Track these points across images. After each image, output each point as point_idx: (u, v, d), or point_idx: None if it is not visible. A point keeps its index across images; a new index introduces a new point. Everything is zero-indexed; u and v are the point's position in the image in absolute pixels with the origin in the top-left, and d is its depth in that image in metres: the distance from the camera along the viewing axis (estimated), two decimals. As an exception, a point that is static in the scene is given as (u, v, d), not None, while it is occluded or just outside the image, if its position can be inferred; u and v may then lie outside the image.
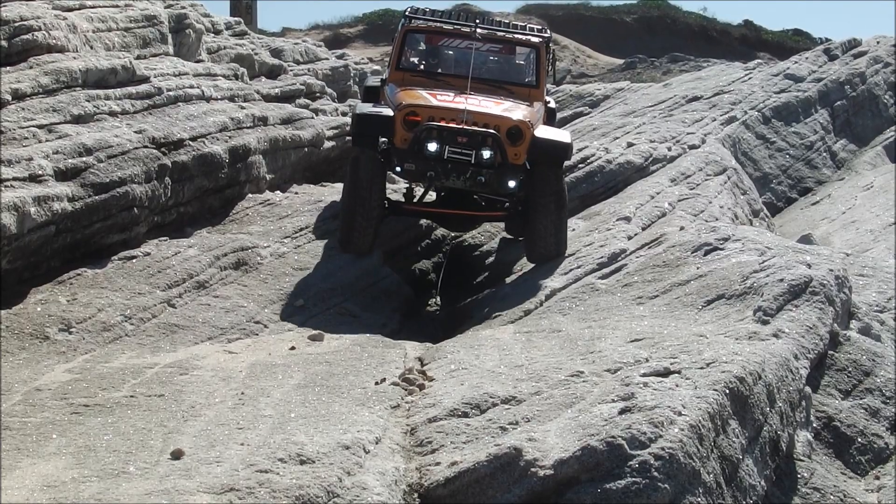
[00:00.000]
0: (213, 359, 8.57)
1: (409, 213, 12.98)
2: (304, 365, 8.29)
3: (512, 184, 11.64)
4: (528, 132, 11.62)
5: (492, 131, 11.48)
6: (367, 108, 12.22)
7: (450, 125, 11.44)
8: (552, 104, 13.99)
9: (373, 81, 14.55)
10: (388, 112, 11.78)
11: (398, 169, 11.74)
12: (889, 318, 10.32)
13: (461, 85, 12.42)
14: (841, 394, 8.82)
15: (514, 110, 11.94)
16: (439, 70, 13.14)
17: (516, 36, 13.29)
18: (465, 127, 11.43)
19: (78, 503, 5.50)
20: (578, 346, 8.39)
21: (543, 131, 11.98)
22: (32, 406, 7.23)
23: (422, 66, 13.25)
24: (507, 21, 14.22)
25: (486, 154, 11.48)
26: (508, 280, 12.43)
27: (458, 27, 13.22)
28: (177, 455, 6.17)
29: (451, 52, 13.39)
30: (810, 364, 8.44)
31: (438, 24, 13.26)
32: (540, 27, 13.91)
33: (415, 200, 13.03)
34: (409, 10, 13.53)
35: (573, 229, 13.10)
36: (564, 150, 11.91)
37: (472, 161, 11.47)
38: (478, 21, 13.42)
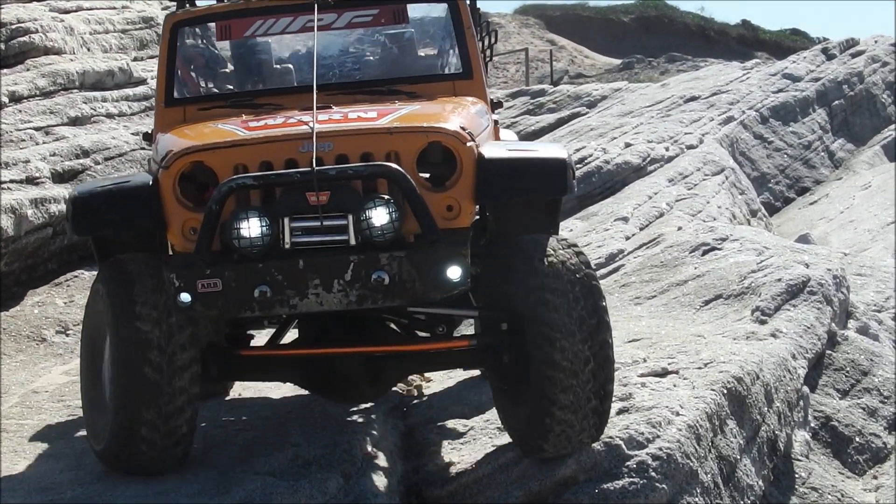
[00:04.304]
0: (211, 360, 8.55)
1: (256, 372, 6.41)
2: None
3: (455, 272, 5.39)
4: (467, 150, 5.65)
5: (383, 164, 5.46)
6: (90, 185, 6.36)
7: (282, 172, 5.43)
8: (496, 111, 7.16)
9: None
10: (141, 180, 5.89)
11: (184, 298, 5.35)
12: (887, 317, 10.32)
13: (308, 104, 5.85)
14: (839, 393, 8.82)
15: (421, 114, 5.96)
16: (260, 86, 7.02)
17: None
18: (322, 168, 5.37)
19: (75, 505, 5.50)
20: (576, 346, 8.37)
21: (499, 148, 6.02)
22: (30, 408, 7.23)
23: (213, 88, 7.07)
24: None
25: (378, 216, 5.36)
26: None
27: None
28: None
29: (274, 47, 7.20)
30: (808, 364, 8.44)
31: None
32: None
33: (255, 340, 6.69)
34: None
35: (570, 230, 13.09)
36: (558, 170, 5.84)
37: (351, 241, 5.38)
38: None
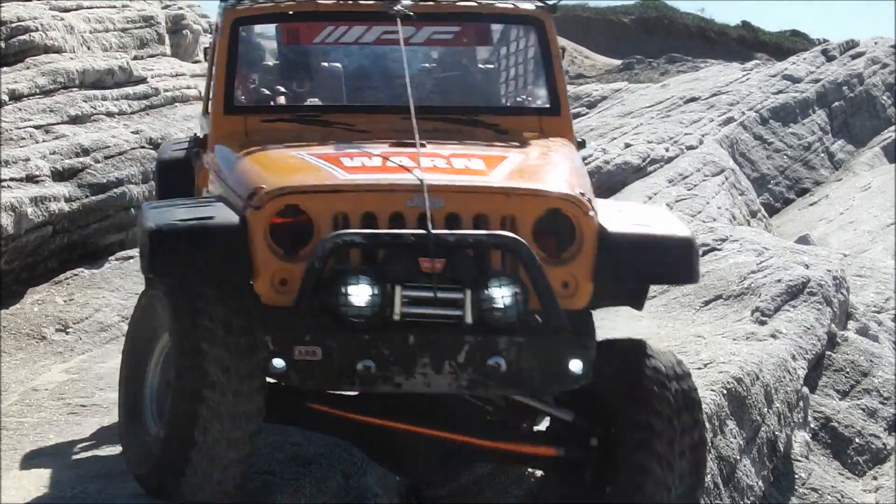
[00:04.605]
0: (211, 359, 8.55)
1: (319, 425, 5.71)
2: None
3: (577, 366, 4.91)
4: (588, 220, 5.05)
5: (507, 236, 4.84)
6: (167, 211, 5.19)
7: (395, 233, 4.84)
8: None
9: (174, 152, 7.35)
10: (226, 217, 5.05)
11: (277, 364, 4.85)
12: (887, 318, 10.33)
13: (387, 127, 5.66)
14: (839, 394, 8.83)
15: (534, 170, 5.42)
16: (329, 100, 6.19)
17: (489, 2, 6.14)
18: (440, 232, 4.80)
19: (75, 504, 5.49)
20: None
21: (620, 219, 5.25)
22: (29, 406, 7.23)
23: (281, 98, 6.26)
24: None
25: (502, 296, 4.80)
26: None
27: None
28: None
29: (345, 58, 6.36)
30: (808, 364, 8.44)
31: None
32: None
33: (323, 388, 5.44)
34: None
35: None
36: (687, 255, 5.22)
37: (467, 319, 4.81)
38: None
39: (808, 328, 8.68)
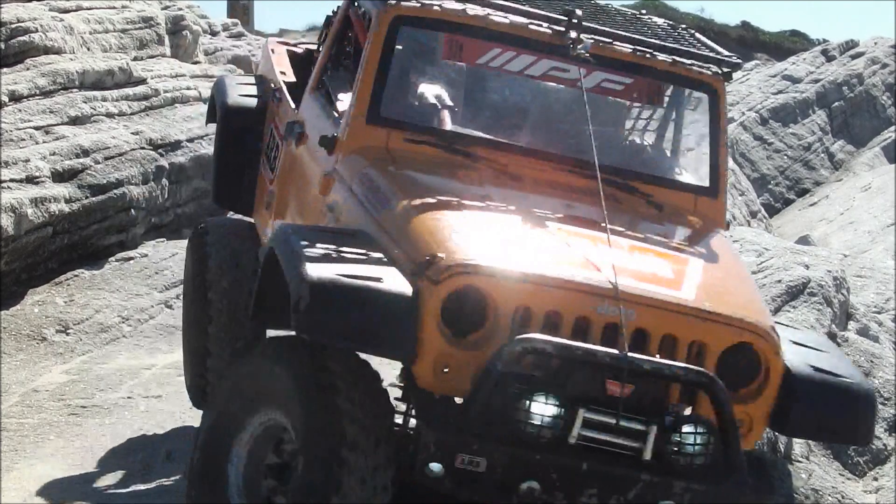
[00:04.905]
0: (211, 360, 8.55)
1: None
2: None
3: None
4: (777, 360, 4.59)
5: (702, 371, 4.38)
6: (327, 260, 4.42)
7: (589, 350, 4.31)
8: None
9: (242, 97, 6.83)
10: (399, 284, 4.36)
11: (434, 468, 4.25)
12: (887, 319, 10.32)
13: (540, 175, 5.30)
14: (839, 395, 8.82)
15: (722, 286, 4.87)
16: (481, 130, 5.50)
17: (676, 59, 5.59)
18: (637, 357, 4.31)
19: (75, 505, 5.49)
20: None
21: (803, 357, 4.78)
22: (30, 407, 7.22)
23: (447, 121, 5.48)
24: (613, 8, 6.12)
25: (693, 440, 4.37)
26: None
27: (536, 19, 5.41)
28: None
29: (506, 88, 5.77)
30: (808, 365, 8.43)
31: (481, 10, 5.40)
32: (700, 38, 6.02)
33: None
34: None
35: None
36: (868, 413, 4.80)
37: (646, 455, 4.35)
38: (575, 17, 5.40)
39: (809, 329, 8.68)
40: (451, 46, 5.44)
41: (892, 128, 24.99)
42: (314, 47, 6.91)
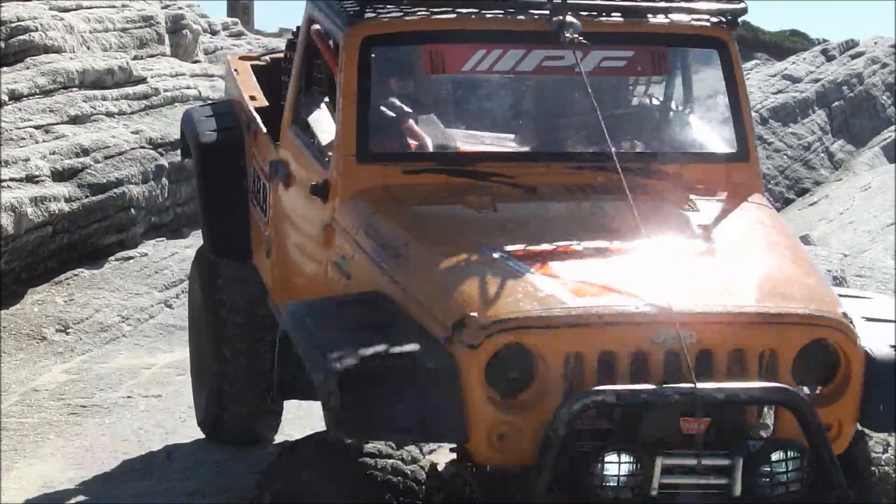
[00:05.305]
0: (211, 359, 8.55)
1: None
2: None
3: None
4: (857, 349, 4.03)
5: (782, 388, 3.91)
6: (346, 341, 3.90)
7: (654, 391, 3.79)
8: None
9: (212, 132, 6.37)
10: (433, 355, 3.82)
11: None
12: (887, 318, 10.32)
13: (556, 182, 4.79)
14: (839, 394, 8.82)
15: (779, 275, 4.27)
16: (479, 145, 5.10)
17: (673, 20, 5.07)
18: (707, 386, 3.78)
19: (75, 504, 5.49)
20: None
21: (865, 325, 4.20)
22: (30, 407, 7.22)
23: (443, 141, 5.04)
24: None
25: (786, 466, 3.88)
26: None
27: (515, 8, 4.91)
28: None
29: (499, 90, 5.35)
30: (808, 365, 8.43)
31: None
32: None
33: None
34: None
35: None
36: None
37: (735, 492, 3.84)
38: None
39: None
40: (432, 58, 4.90)
41: (892, 127, 24.99)
42: (280, 54, 6.42)
